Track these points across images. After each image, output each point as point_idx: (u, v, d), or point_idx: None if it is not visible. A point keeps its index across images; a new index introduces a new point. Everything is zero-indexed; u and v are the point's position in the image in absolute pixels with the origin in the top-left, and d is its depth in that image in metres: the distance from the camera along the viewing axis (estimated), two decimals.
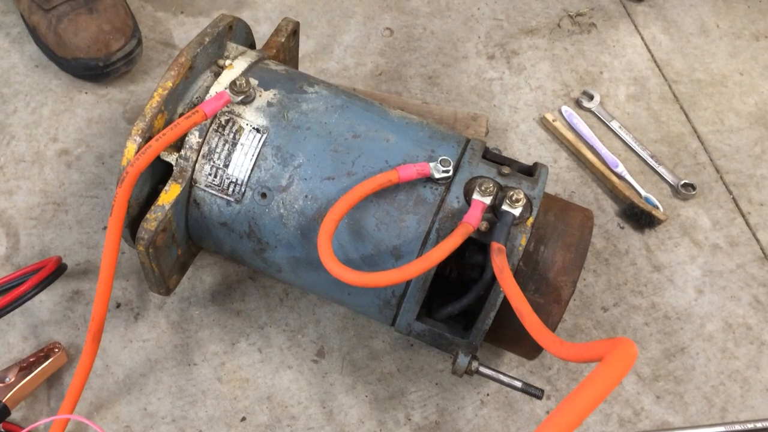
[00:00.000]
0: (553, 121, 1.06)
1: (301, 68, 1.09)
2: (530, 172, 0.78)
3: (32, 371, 0.79)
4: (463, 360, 0.73)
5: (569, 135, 1.05)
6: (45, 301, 0.86)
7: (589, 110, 1.10)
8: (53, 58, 1.01)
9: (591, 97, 1.11)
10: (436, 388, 0.86)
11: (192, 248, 0.83)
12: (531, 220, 0.71)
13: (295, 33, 0.89)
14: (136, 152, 0.70)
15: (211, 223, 0.76)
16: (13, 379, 0.78)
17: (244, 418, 0.82)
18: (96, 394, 0.82)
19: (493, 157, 0.78)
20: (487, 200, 0.69)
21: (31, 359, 0.80)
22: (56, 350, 0.81)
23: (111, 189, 0.95)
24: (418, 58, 1.13)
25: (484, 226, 0.69)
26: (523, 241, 0.70)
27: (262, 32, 1.12)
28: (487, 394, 0.86)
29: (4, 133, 0.98)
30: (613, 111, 1.11)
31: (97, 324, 0.74)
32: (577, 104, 1.10)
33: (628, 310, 0.94)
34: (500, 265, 0.66)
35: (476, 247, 0.71)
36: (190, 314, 0.88)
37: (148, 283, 0.78)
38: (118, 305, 0.87)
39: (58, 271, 0.82)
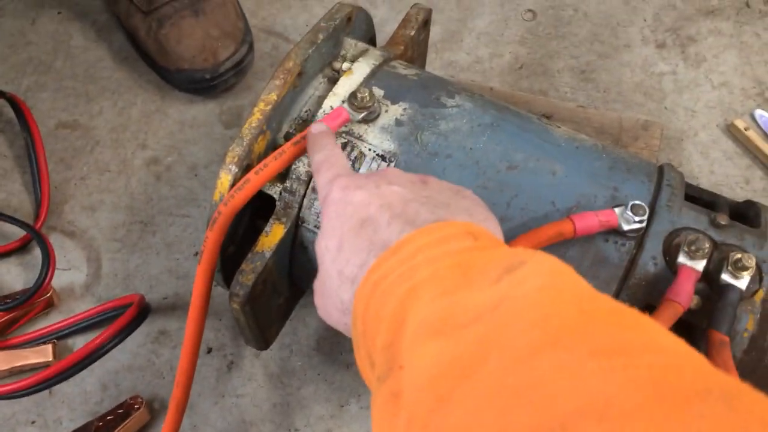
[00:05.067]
0: (745, 129, 0.84)
1: (426, 61, 0.91)
2: (744, 214, 0.58)
3: None
4: None
5: (766, 147, 0.82)
6: (127, 342, 0.73)
7: None
8: (154, 67, 0.88)
9: None
10: None
11: (296, 291, 0.68)
12: (761, 293, 0.50)
13: (426, 23, 0.71)
14: (231, 186, 0.55)
15: None
16: None
17: None
18: None
19: (695, 194, 0.58)
20: (699, 266, 0.50)
21: (108, 417, 0.68)
22: (137, 406, 0.68)
23: (204, 207, 0.81)
24: (568, 47, 0.92)
25: (695, 302, 0.50)
26: (749, 324, 0.50)
27: (378, 17, 0.95)
28: None
29: (88, 138, 0.86)
30: None
31: (181, 390, 0.61)
32: None
33: None
34: (723, 366, 0.46)
35: (677, 325, 0.52)
36: (292, 366, 0.73)
37: (243, 338, 0.64)
38: (210, 350, 0.74)
39: (141, 314, 0.69)
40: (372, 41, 0.71)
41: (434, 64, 0.91)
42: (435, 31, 0.94)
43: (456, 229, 0.37)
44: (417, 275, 0.34)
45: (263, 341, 0.65)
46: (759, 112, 0.86)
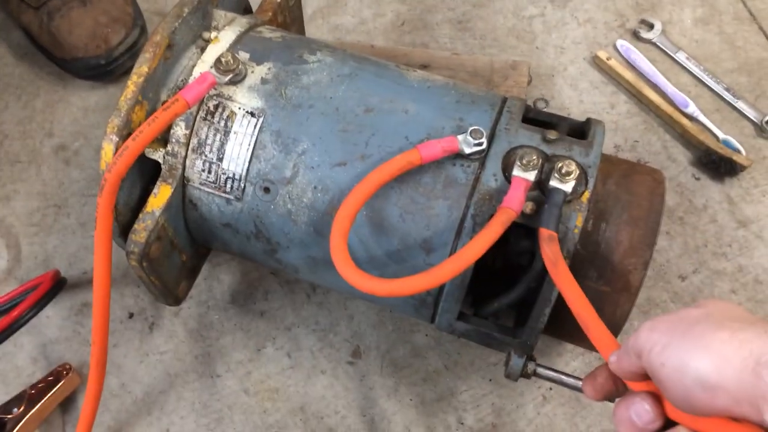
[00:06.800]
0: (608, 59, 0.91)
1: (314, 26, 0.97)
2: (583, 132, 0.65)
3: (42, 398, 0.72)
4: (516, 362, 0.62)
5: (628, 74, 0.90)
6: (52, 317, 0.79)
7: (649, 42, 0.94)
8: (52, 59, 0.92)
9: (651, 26, 0.95)
10: (490, 384, 0.75)
11: (200, 250, 0.74)
12: (587, 194, 0.58)
13: None
14: (115, 154, 0.61)
15: (213, 224, 0.66)
16: (21, 410, 0.71)
17: None
18: (114, 416, 0.74)
19: (537, 117, 0.65)
20: (531, 176, 0.57)
21: (40, 385, 0.73)
22: (66, 372, 0.74)
23: None
24: (445, 0, 0.99)
25: (529, 207, 0.57)
26: (578, 221, 0.57)
27: None
28: (550, 388, 0.75)
29: None
30: (678, 40, 0.94)
31: (99, 349, 0.66)
32: (635, 36, 0.95)
33: (710, 276, 0.80)
34: (553, 257, 0.54)
35: (522, 230, 0.59)
36: (210, 319, 0.79)
37: (153, 296, 0.70)
38: (131, 315, 0.79)
39: (56, 287, 0.74)
40: (248, 11, 0.76)
41: (322, 29, 0.97)
42: None
43: None
44: None
45: (172, 297, 0.70)
46: (620, 42, 0.93)
